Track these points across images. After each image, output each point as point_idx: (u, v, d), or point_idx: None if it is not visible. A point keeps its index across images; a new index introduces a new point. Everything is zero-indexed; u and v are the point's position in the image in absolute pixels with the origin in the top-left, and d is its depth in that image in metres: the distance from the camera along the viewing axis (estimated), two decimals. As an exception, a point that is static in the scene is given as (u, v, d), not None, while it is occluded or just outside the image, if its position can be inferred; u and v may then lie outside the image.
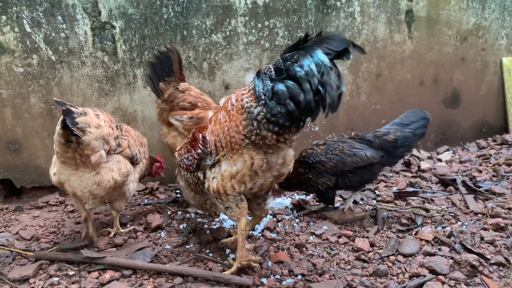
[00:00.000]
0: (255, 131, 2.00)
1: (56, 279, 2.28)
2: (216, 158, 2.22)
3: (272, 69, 1.91)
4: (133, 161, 2.72)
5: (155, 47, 3.73)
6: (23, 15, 3.43)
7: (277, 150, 2.10)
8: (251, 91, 1.98)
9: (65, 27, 3.53)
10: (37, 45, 3.51)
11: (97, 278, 2.29)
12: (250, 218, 2.62)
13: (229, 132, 2.11)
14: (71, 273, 2.35)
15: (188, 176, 2.45)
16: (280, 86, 1.86)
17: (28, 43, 3.48)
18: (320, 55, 1.78)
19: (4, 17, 3.40)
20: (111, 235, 2.85)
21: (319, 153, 2.93)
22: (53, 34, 3.52)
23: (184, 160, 2.45)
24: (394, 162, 3.06)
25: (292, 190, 3.33)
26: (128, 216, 3.19)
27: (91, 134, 2.25)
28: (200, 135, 2.33)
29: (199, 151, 2.30)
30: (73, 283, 2.25)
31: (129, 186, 2.73)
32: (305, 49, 1.83)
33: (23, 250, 2.63)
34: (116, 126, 2.57)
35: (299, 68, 1.79)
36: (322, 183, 2.94)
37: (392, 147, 2.90)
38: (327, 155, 2.90)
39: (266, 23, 3.96)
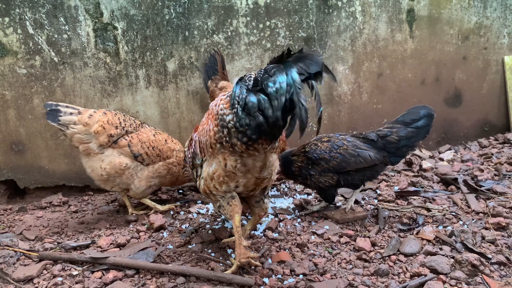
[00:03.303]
0: (224, 138, 2.03)
1: (60, 279, 2.30)
2: (204, 159, 2.28)
3: (252, 79, 1.91)
4: (138, 160, 3.06)
5: (157, 48, 3.75)
6: (26, 17, 3.45)
7: (252, 155, 2.10)
8: (228, 98, 2.00)
9: (67, 29, 3.55)
10: (39, 46, 3.53)
11: (100, 278, 2.31)
12: (251, 217, 2.65)
13: (206, 135, 2.16)
14: (74, 273, 2.37)
15: (190, 171, 2.59)
16: (252, 98, 1.86)
17: (31, 45, 3.51)
18: (294, 75, 1.78)
19: (7, 19, 3.42)
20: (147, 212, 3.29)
21: (323, 150, 2.92)
22: (56, 36, 3.54)
23: (187, 157, 2.56)
24: (396, 161, 3.03)
25: (293, 179, 3.27)
26: (134, 215, 3.23)
27: (74, 130, 2.91)
28: (194, 135, 2.40)
29: (192, 150, 2.39)
30: (76, 283, 2.28)
31: (135, 181, 3.10)
32: (285, 64, 1.82)
33: (27, 250, 2.66)
34: (122, 127, 3.02)
35: (272, 83, 1.80)
36: (324, 181, 2.95)
37: (395, 147, 2.88)
38: (331, 153, 2.89)
39: (268, 23, 3.97)
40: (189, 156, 2.48)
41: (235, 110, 1.92)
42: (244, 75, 1.97)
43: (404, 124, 2.90)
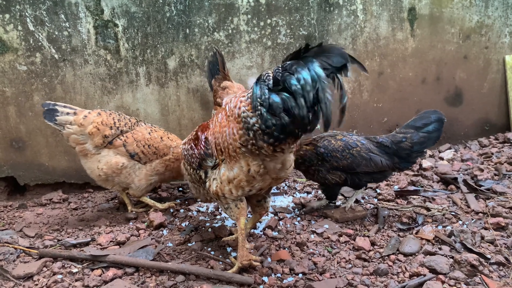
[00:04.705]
0: (251, 141, 1.98)
1: (60, 276, 2.31)
2: (216, 161, 2.23)
3: (271, 78, 1.85)
4: (135, 159, 3.06)
5: (158, 45, 3.74)
6: (27, 14, 3.44)
7: (275, 157, 2.08)
8: (249, 100, 1.95)
9: (68, 26, 3.54)
10: (40, 43, 3.52)
11: (100, 275, 2.32)
12: (251, 216, 2.65)
13: (227, 139, 2.09)
14: (74, 270, 2.38)
15: (190, 171, 2.48)
16: (276, 98, 1.82)
17: (31, 42, 3.50)
18: (318, 69, 1.72)
19: (7, 16, 3.41)
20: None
21: (336, 149, 2.88)
22: (56, 33, 3.53)
23: (188, 156, 2.46)
24: (406, 167, 3.01)
25: (296, 168, 3.23)
26: (133, 213, 3.23)
27: (69, 130, 2.95)
28: (203, 136, 2.32)
29: (202, 151, 2.29)
30: (76, 280, 2.28)
31: (134, 180, 3.12)
32: (304, 60, 1.77)
33: (27, 247, 2.66)
34: (116, 127, 3.04)
35: (295, 81, 1.74)
36: (331, 178, 2.94)
37: (407, 153, 2.87)
38: (343, 152, 2.87)
39: (269, 21, 3.96)
40: (194, 156, 2.37)
41: (259, 112, 1.87)
42: (261, 75, 1.92)
43: (415, 128, 2.89)
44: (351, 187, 3.06)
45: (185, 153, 2.52)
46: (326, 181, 2.97)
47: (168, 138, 3.24)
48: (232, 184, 2.17)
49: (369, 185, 3.59)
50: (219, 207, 3.28)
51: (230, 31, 3.89)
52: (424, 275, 2.22)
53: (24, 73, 3.55)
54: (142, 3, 3.64)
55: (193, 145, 2.41)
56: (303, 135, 1.96)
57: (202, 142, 2.30)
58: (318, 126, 1.87)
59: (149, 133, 3.14)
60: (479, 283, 2.16)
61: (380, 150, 2.90)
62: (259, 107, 1.86)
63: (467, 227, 2.74)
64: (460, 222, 2.85)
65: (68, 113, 2.97)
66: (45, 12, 3.47)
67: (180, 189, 3.83)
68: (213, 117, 2.37)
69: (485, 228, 2.71)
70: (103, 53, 3.66)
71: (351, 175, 2.92)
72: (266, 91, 1.85)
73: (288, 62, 1.82)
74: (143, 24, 3.68)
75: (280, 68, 1.83)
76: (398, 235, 2.72)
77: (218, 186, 2.23)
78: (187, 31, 3.79)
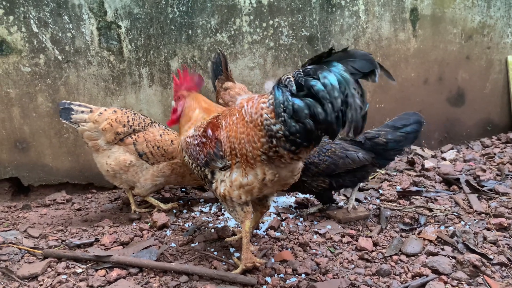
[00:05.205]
0: (273, 149, 1.95)
1: (64, 276, 2.33)
2: (228, 163, 2.18)
3: (293, 82, 1.80)
4: (143, 159, 3.12)
5: (160, 47, 3.76)
6: (30, 15, 3.46)
7: (290, 165, 2.07)
8: (272, 107, 1.89)
9: (71, 27, 3.56)
10: (44, 45, 3.54)
11: (104, 276, 2.33)
12: (253, 214, 2.65)
13: (246, 146, 2.04)
14: (79, 270, 2.39)
15: (193, 166, 2.40)
16: (300, 103, 1.77)
17: (35, 43, 3.52)
18: (345, 74, 1.69)
19: (11, 17, 3.43)
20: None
21: (312, 155, 2.89)
22: (60, 34, 3.55)
23: (193, 151, 2.36)
24: (384, 164, 3.06)
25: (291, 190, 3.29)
26: (137, 213, 3.25)
27: (84, 127, 3.06)
28: (214, 135, 2.25)
29: (211, 151, 2.22)
30: (81, 280, 2.30)
31: (140, 179, 3.17)
32: (328, 64, 1.73)
33: (31, 247, 2.68)
34: (129, 125, 3.11)
35: (321, 86, 1.70)
36: (316, 185, 2.94)
37: (383, 149, 2.90)
38: (320, 156, 2.88)
39: (271, 22, 3.98)
40: (201, 153, 2.28)
41: (283, 118, 1.82)
42: (280, 79, 1.87)
43: (393, 128, 2.94)
44: (339, 189, 3.07)
45: (190, 147, 2.39)
46: (313, 189, 2.98)
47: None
48: (243, 190, 2.15)
49: (371, 185, 3.60)
50: (222, 207, 3.30)
51: (232, 32, 3.91)
52: (427, 276, 2.22)
53: (28, 75, 3.57)
54: (145, 5, 3.66)
55: (200, 141, 2.31)
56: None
57: (213, 142, 2.23)
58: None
59: (161, 135, 3.17)
60: (482, 283, 2.16)
61: (355, 147, 2.92)
62: (282, 113, 1.82)
63: (469, 227, 2.75)
64: (463, 222, 2.86)
65: (83, 111, 3.08)
66: (48, 14, 3.50)
67: (183, 189, 3.84)
68: (223, 114, 2.30)
69: (488, 229, 2.72)
70: (106, 54, 3.68)
71: (334, 178, 2.92)
72: (289, 96, 1.80)
73: (310, 67, 1.78)
74: (146, 25, 3.70)
75: (302, 73, 1.79)
76: (401, 235, 2.73)
77: (226, 189, 2.20)
78: (190, 32, 3.81)
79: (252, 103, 2.02)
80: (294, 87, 1.79)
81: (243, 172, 2.11)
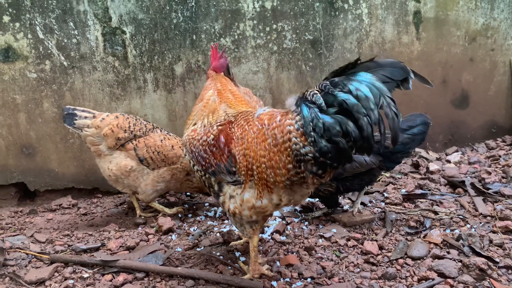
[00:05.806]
0: (301, 174, 1.81)
1: (71, 281, 2.34)
2: (239, 179, 2.02)
3: (320, 97, 1.67)
4: (144, 164, 3.13)
5: (165, 52, 3.79)
6: (36, 22, 3.50)
7: (306, 190, 1.99)
8: (301, 129, 1.73)
9: (76, 33, 3.59)
10: (49, 51, 3.58)
11: (110, 280, 2.34)
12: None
13: (267, 171, 1.88)
14: (85, 275, 2.40)
15: (196, 168, 2.23)
16: (330, 121, 1.65)
17: (41, 49, 3.56)
18: (378, 84, 1.60)
19: (17, 24, 3.47)
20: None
21: None
22: (65, 40, 3.58)
23: (198, 155, 2.16)
24: (391, 167, 3.04)
25: None
26: (142, 217, 3.27)
27: (87, 132, 3.11)
28: (226, 147, 2.05)
29: (222, 165, 2.04)
30: (87, 285, 2.31)
31: (141, 184, 3.19)
32: (357, 75, 1.62)
33: (38, 252, 2.70)
34: (130, 131, 3.13)
35: (354, 99, 1.59)
36: (323, 189, 2.92)
37: (390, 152, 2.88)
38: None
39: (274, 26, 3.99)
40: (209, 162, 2.10)
41: (312, 138, 1.68)
42: (305, 94, 1.74)
43: (401, 130, 2.90)
44: (346, 192, 3.06)
45: (196, 150, 2.17)
46: (320, 193, 2.96)
47: (180, 148, 3.24)
48: (254, 211, 2.03)
49: (376, 188, 3.60)
50: (230, 221, 3.26)
51: (236, 37, 3.93)
52: (433, 279, 2.22)
53: (34, 81, 3.61)
54: (149, 10, 3.69)
55: (208, 149, 2.10)
56: None
57: (225, 155, 2.04)
58: None
59: (161, 140, 3.18)
60: (488, 287, 2.16)
61: None
62: (312, 133, 1.69)
63: (475, 230, 2.74)
64: (468, 225, 2.85)
65: (86, 117, 3.13)
66: (54, 20, 3.53)
67: (188, 194, 3.86)
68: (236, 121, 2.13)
69: (494, 232, 2.71)
70: (111, 59, 3.71)
71: (341, 181, 2.90)
72: (319, 113, 1.68)
73: (336, 79, 1.67)
74: (150, 30, 3.73)
75: (328, 86, 1.67)
76: (406, 239, 2.73)
77: (237, 208, 2.07)
78: (194, 37, 3.83)
79: (276, 124, 1.86)
80: (322, 103, 1.67)
81: (258, 195, 1.97)
